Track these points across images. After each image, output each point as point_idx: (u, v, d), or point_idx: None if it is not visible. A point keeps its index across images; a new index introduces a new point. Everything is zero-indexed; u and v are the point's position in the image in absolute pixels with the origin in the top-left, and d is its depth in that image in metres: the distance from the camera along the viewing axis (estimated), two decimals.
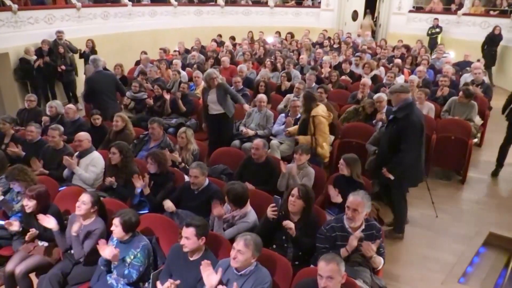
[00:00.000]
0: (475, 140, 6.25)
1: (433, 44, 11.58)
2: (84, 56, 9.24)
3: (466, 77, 7.84)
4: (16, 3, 8.61)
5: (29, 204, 3.45)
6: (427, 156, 5.51)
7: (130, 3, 11.79)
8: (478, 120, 6.31)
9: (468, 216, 5.02)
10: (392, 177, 4.16)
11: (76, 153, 4.53)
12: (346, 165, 4.02)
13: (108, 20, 11.18)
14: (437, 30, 11.79)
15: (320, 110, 4.80)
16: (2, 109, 8.67)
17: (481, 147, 6.79)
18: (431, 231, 4.70)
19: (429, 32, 11.90)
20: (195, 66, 8.46)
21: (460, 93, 6.14)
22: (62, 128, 4.77)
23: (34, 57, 8.47)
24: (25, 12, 8.84)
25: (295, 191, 3.28)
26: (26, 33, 8.78)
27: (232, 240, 2.90)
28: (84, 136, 4.54)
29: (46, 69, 8.52)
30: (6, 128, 5.16)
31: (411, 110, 4.05)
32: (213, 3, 14.27)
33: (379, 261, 3.07)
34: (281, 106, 6.42)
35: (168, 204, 3.80)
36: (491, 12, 11.80)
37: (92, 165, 4.46)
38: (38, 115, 6.03)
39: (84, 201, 3.30)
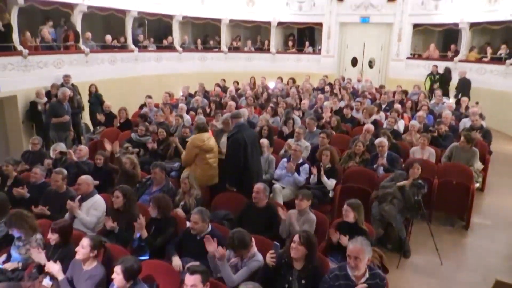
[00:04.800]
0: (477, 184, 6.23)
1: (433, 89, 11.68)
2: (91, 100, 9.51)
3: (465, 122, 7.95)
4: (27, 48, 8.91)
5: (52, 237, 3.57)
6: (429, 200, 5.52)
7: (137, 49, 12.22)
8: (479, 165, 6.33)
9: (474, 263, 4.93)
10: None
11: (78, 197, 4.51)
12: (352, 210, 3.99)
13: (115, 65, 11.56)
14: (437, 77, 11.80)
15: (197, 137, 5.19)
16: (7, 150, 8.76)
17: (484, 192, 6.76)
18: (436, 279, 4.59)
19: (429, 78, 11.83)
20: (199, 110, 8.61)
21: (462, 138, 6.21)
22: (65, 172, 4.79)
23: (45, 100, 8.62)
24: (35, 56, 9.14)
25: (296, 238, 3.26)
26: (35, 76, 9.03)
27: None
28: (83, 180, 4.54)
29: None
30: (9, 170, 5.20)
31: (238, 130, 4.90)
32: (217, 49, 14.77)
33: None
34: (281, 152, 6.46)
35: (176, 262, 3.71)
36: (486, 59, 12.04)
37: (93, 209, 4.45)
38: (42, 157, 6.09)
39: (83, 245, 3.28)
